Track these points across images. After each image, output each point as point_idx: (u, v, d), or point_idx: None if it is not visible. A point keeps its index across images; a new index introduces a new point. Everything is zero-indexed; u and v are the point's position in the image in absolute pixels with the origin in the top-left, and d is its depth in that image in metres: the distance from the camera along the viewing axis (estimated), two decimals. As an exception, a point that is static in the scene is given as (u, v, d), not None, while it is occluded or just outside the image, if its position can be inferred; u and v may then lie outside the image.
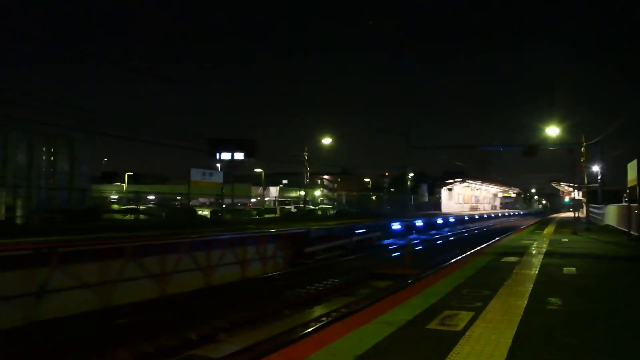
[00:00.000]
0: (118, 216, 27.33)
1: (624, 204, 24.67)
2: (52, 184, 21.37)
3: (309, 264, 20.37)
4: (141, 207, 26.91)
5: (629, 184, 18.98)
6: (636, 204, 18.05)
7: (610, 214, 31.49)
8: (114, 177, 74.19)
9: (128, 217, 25.49)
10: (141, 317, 12.10)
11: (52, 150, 21.51)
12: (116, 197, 48.57)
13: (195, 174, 25.18)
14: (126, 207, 32.18)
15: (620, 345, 5.32)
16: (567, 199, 79.68)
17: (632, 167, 18.13)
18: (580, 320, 6.37)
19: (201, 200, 46.16)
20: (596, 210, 39.97)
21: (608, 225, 31.31)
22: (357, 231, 26.24)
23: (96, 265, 12.47)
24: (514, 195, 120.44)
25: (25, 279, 10.87)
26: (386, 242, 30.34)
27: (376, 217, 35.19)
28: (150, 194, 46.86)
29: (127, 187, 58.51)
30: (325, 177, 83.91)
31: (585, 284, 9.24)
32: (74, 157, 22.41)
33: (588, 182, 34.94)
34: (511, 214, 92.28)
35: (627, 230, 21.08)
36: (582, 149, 29.27)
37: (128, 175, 65.98)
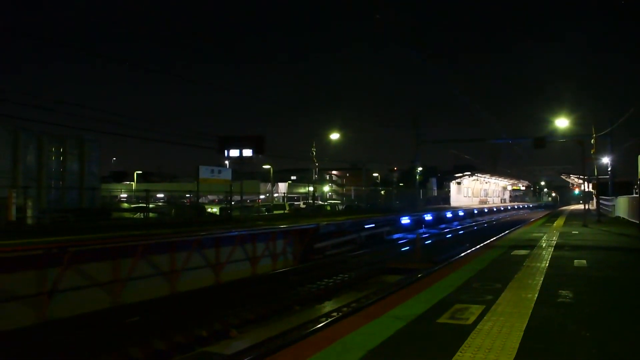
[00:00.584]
0: (127, 215, 27.41)
1: (634, 195, 24.48)
2: (61, 184, 21.51)
3: (319, 260, 20.40)
4: (150, 206, 26.98)
5: (640, 175, 18.81)
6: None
7: (621, 206, 31.25)
8: (123, 176, 74.66)
9: (137, 215, 25.55)
10: (152, 314, 12.19)
11: (62, 150, 21.64)
12: (125, 195, 48.81)
13: (204, 172, 25.21)
14: (135, 205, 32.31)
15: (634, 338, 5.28)
16: (577, 191, 79.35)
17: (642, 158, 17.97)
18: (592, 312, 6.32)
19: (210, 197, 46.32)
20: (606, 202, 39.67)
21: (619, 217, 31.08)
22: (366, 226, 26.24)
23: (107, 264, 12.56)
24: (523, 188, 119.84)
25: (37, 278, 10.97)
26: (396, 236, 30.33)
27: (385, 211, 35.16)
28: (159, 192, 47.07)
29: (136, 186, 58.80)
30: (334, 172, 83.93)
31: (596, 276, 9.18)
32: (83, 156, 22.53)
33: (598, 174, 34.71)
34: (520, 207, 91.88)
35: (638, 222, 20.92)
36: (592, 141, 29.04)
37: (137, 173, 66.31)
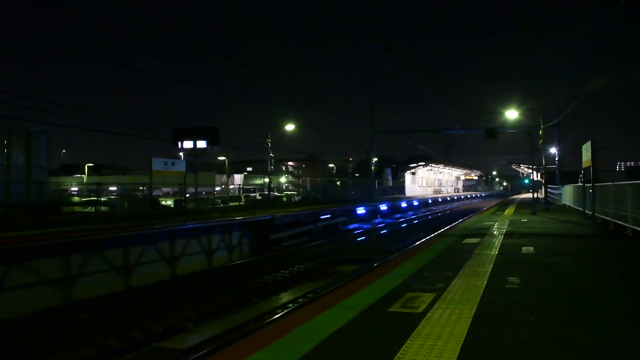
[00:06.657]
0: (79, 208, 26.69)
1: (579, 184, 25.47)
2: (7, 178, 20.76)
3: (275, 251, 20.40)
4: (102, 199, 26.37)
5: (584, 165, 19.56)
6: (590, 184, 18.63)
7: (567, 194, 32.46)
8: (74, 168, 72.41)
9: (89, 209, 24.93)
10: (105, 311, 11.95)
11: (6, 142, 20.88)
12: (77, 189, 47.46)
13: (157, 164, 24.78)
14: (87, 199, 31.51)
15: (576, 321, 5.52)
16: (527, 180, 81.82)
17: (586, 148, 18.68)
18: (538, 297, 6.57)
19: (164, 190, 45.52)
20: (554, 191, 41.12)
21: (565, 205, 32.28)
22: (322, 217, 26.36)
23: (57, 260, 12.20)
24: (476, 177, 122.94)
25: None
26: (352, 226, 30.60)
27: (341, 202, 35.40)
28: (111, 185, 45.92)
29: (87, 179, 57.19)
30: (290, 163, 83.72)
31: (542, 262, 9.53)
32: (30, 149, 21.80)
33: (547, 164, 35.85)
34: (473, 196, 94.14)
35: (582, 209, 21.80)
36: (540, 132, 29.98)
37: (88, 166, 64.50)
